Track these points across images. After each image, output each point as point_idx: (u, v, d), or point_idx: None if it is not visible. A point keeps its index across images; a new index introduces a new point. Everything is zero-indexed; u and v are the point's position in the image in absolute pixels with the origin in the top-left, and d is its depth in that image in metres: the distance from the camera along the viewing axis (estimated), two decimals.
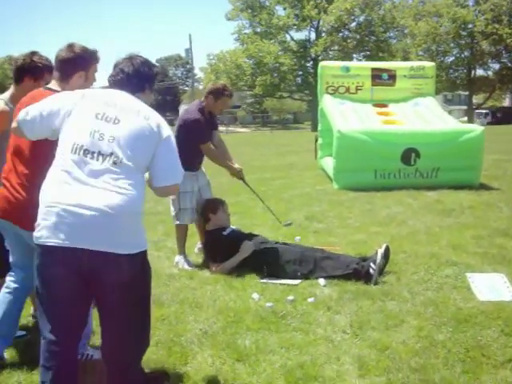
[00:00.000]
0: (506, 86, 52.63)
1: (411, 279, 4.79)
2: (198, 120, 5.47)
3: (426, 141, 9.97)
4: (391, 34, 53.96)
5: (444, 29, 48.61)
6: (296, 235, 6.41)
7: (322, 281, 4.74)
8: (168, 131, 2.67)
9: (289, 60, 49.26)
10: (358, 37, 50.89)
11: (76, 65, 3.14)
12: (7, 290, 3.35)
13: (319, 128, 13.23)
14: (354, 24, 51.23)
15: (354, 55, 50.96)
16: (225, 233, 5.45)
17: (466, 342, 3.49)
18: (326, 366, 3.26)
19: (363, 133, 9.94)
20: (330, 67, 12.93)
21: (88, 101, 2.64)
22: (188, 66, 73.63)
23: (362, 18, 50.82)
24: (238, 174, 5.92)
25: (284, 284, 4.77)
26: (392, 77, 12.50)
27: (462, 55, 51.39)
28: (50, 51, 3.30)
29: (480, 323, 3.78)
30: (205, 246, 5.64)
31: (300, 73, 52.12)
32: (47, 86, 3.25)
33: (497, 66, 52.04)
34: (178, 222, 5.58)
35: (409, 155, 9.93)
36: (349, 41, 50.91)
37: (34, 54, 3.59)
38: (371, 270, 4.70)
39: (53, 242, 2.39)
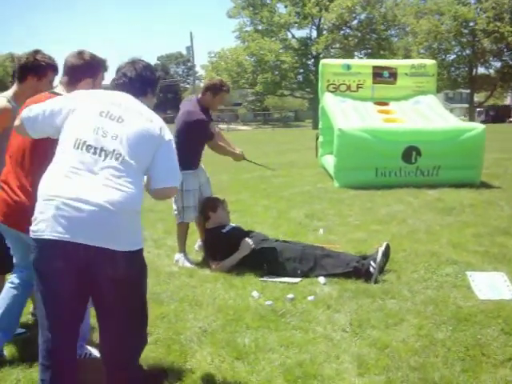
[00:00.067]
0: (507, 84, 52.56)
1: (411, 278, 4.79)
2: (203, 120, 5.49)
3: (427, 139, 9.96)
4: (392, 32, 54.04)
5: (445, 27, 48.59)
6: (297, 234, 6.40)
7: (321, 279, 4.73)
8: (170, 135, 2.71)
9: (290, 58, 49.27)
10: (359, 35, 50.87)
11: (84, 72, 3.18)
12: (11, 285, 3.37)
13: (320, 126, 13.22)
14: (355, 22, 51.26)
15: (356, 53, 50.95)
16: (224, 231, 5.45)
17: (466, 341, 3.48)
18: (326, 365, 3.25)
19: (364, 131, 9.93)
20: (330, 65, 12.91)
21: (92, 100, 2.68)
22: (189, 64, 73.73)
23: (363, 16, 50.82)
24: (241, 157, 5.94)
25: (284, 282, 4.76)
26: (393, 75, 12.48)
27: (464, 53, 51.38)
28: (51, 49, 3.31)
29: (480, 322, 3.77)
30: (205, 244, 5.64)
31: (301, 71, 52.13)
32: (53, 90, 3.30)
33: (498, 64, 52.06)
34: (181, 220, 5.58)
35: (410, 153, 9.92)
36: (350, 39, 50.88)
37: (37, 52, 3.59)
38: (371, 269, 4.70)
39: (52, 235, 2.37)
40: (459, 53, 51.72)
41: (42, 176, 2.57)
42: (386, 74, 12.47)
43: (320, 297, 4.36)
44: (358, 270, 4.74)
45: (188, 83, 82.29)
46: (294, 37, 53.32)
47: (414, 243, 5.90)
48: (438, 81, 17.51)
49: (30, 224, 2.50)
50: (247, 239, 5.24)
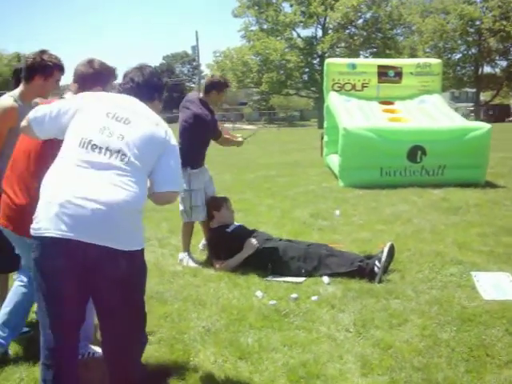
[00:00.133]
0: None
1: (416, 278, 4.77)
2: (211, 119, 5.54)
3: (433, 138, 9.93)
4: (398, 31, 53.84)
5: (451, 26, 48.47)
6: (301, 233, 6.39)
7: (325, 279, 4.72)
8: (174, 141, 2.74)
9: (295, 57, 49.19)
10: (364, 34, 50.74)
11: (94, 80, 3.19)
12: (20, 284, 3.40)
13: (325, 125, 13.20)
14: (360, 21, 51.11)
15: (361, 52, 50.80)
16: (228, 230, 5.44)
17: (470, 342, 3.47)
18: (329, 365, 3.24)
19: (369, 130, 9.91)
20: (336, 64, 12.89)
21: (99, 101, 2.70)
22: (194, 63, 73.59)
23: (368, 15, 50.68)
24: (242, 142, 5.99)
25: (288, 282, 4.75)
26: (398, 74, 12.44)
27: (470, 52, 51.22)
28: (52, 47, 3.32)
29: (484, 322, 3.76)
30: (209, 244, 5.63)
31: (306, 70, 52.02)
32: (63, 97, 3.32)
33: (504, 64, 51.90)
34: (188, 220, 5.58)
35: (415, 153, 9.90)
36: (355, 38, 50.75)
37: (43, 52, 3.60)
38: (376, 269, 4.68)
39: (54, 233, 2.36)
40: (465, 52, 51.57)
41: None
42: (391, 73, 12.43)
43: (324, 296, 4.35)
44: (363, 270, 4.73)
45: (193, 82, 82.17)
46: (299, 36, 53.26)
47: (418, 243, 5.88)
48: (444, 80, 17.50)
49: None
50: (252, 239, 5.23)
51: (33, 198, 2.83)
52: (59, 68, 3.61)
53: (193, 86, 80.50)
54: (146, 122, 2.64)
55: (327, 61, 13.16)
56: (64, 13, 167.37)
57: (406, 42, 53.41)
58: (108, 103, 2.68)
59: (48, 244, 2.39)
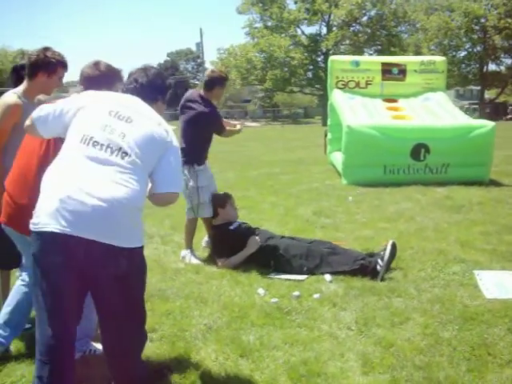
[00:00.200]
0: None
1: (418, 276, 4.76)
2: (218, 115, 5.60)
3: (436, 136, 9.92)
4: (403, 29, 53.77)
5: (456, 23, 48.29)
6: (304, 231, 6.38)
7: (328, 276, 4.71)
8: (176, 142, 2.72)
9: (299, 54, 49.14)
10: (369, 31, 50.67)
11: (100, 83, 3.18)
12: (22, 283, 3.39)
13: (329, 123, 13.19)
14: (365, 18, 51.04)
15: (365, 50, 50.72)
16: (232, 227, 5.44)
17: (472, 341, 3.45)
18: (330, 363, 3.24)
19: (372, 128, 9.89)
20: (339, 61, 12.88)
21: (102, 99, 2.70)
22: (199, 60, 73.61)
23: (373, 12, 50.63)
24: (241, 129, 5.98)
25: (290, 279, 4.75)
26: (402, 71, 12.42)
27: (475, 50, 51.05)
28: (53, 44, 3.32)
29: (486, 321, 3.75)
30: (212, 241, 5.63)
31: (311, 67, 52.00)
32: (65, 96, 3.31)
33: (509, 61, 51.93)
34: (193, 216, 5.58)
35: (418, 151, 9.89)
36: (360, 35, 50.68)
37: (47, 49, 3.60)
38: (378, 267, 4.68)
39: (54, 228, 2.35)
40: (470, 49, 51.40)
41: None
42: (395, 70, 12.41)
43: (326, 294, 4.34)
44: (365, 268, 4.72)
45: (197, 79, 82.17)
46: (303, 33, 53.20)
47: (421, 241, 5.87)
48: (449, 77, 17.43)
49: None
50: (255, 237, 5.23)
51: (35, 197, 2.84)
52: (62, 65, 3.61)
53: (197, 82, 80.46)
54: (148, 122, 2.63)
55: (331, 58, 13.15)
56: (69, 9, 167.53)
57: (410, 39, 53.28)
58: (111, 102, 2.68)
59: (48, 239, 2.37)
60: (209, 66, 64.64)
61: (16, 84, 3.78)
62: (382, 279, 4.62)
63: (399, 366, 3.16)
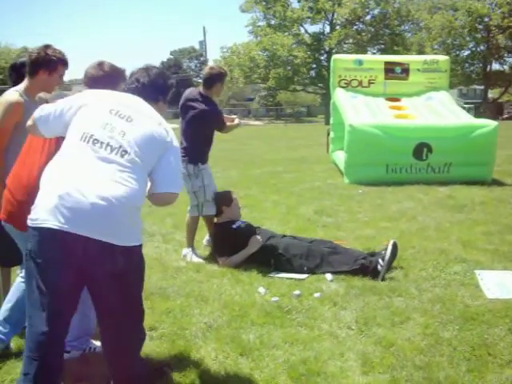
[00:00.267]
0: None
1: (419, 275, 4.76)
2: (219, 112, 5.61)
3: (439, 135, 9.89)
4: (406, 28, 53.59)
5: (460, 22, 48.16)
6: (306, 230, 6.38)
7: (328, 276, 4.71)
8: (176, 142, 2.72)
9: (302, 53, 49.05)
10: (372, 30, 50.54)
11: (104, 83, 3.17)
12: (22, 280, 3.39)
13: (331, 122, 13.16)
14: (368, 17, 50.88)
15: (369, 48, 50.62)
16: (234, 226, 5.43)
17: (472, 341, 3.45)
18: (330, 362, 3.23)
19: (375, 127, 9.88)
20: (342, 60, 12.84)
21: (103, 98, 2.70)
22: (202, 59, 73.60)
23: (376, 11, 50.44)
24: (240, 124, 5.98)
25: (291, 278, 4.75)
26: (405, 70, 12.39)
27: (478, 49, 50.90)
28: (55, 42, 3.31)
29: (487, 321, 3.74)
30: (213, 239, 5.62)
31: (314, 66, 51.88)
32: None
33: None
34: (197, 214, 5.59)
35: (421, 150, 9.86)
36: (363, 34, 50.57)
37: (47, 47, 3.60)
38: (379, 267, 4.67)
39: (52, 224, 2.34)
40: (473, 49, 51.25)
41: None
42: (398, 69, 12.38)
43: (326, 294, 4.34)
44: (366, 268, 4.71)
45: (200, 77, 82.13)
46: (306, 32, 53.10)
47: (423, 240, 5.87)
48: (452, 77, 17.39)
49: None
50: (257, 236, 5.23)
51: (36, 195, 2.84)
52: (63, 63, 3.61)
53: (200, 81, 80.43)
54: (148, 121, 2.63)
55: (334, 57, 13.11)
56: (70, 8, 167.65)
57: (413, 38, 53.14)
58: (112, 100, 2.68)
59: (46, 235, 2.37)
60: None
61: (16, 82, 3.78)
62: (383, 279, 4.62)
63: (399, 366, 3.16)
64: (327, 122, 27.31)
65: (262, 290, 4.43)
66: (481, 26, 48.68)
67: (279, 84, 51.41)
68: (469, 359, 3.24)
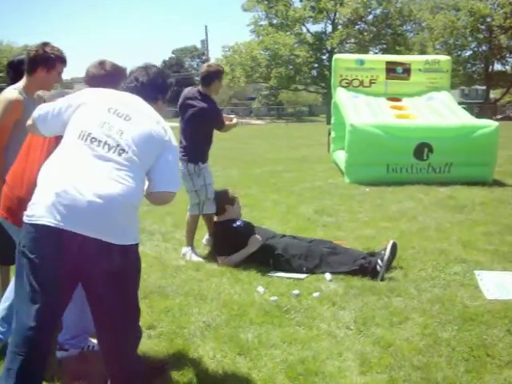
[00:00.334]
0: None
1: (418, 276, 4.75)
2: (218, 110, 5.64)
3: (440, 135, 9.89)
4: (408, 28, 53.63)
5: (462, 22, 48.12)
6: (305, 230, 6.37)
7: (328, 275, 4.70)
8: (175, 142, 2.71)
9: (304, 52, 49.11)
10: (374, 30, 50.58)
11: (106, 82, 3.17)
12: None
13: (332, 121, 13.18)
14: (370, 17, 50.98)
15: (371, 48, 50.64)
16: (235, 225, 5.42)
17: (471, 341, 3.44)
18: (328, 362, 3.23)
19: (376, 126, 9.87)
20: (344, 60, 12.84)
21: (102, 96, 2.69)
22: (204, 58, 73.52)
23: (378, 11, 50.54)
24: (237, 123, 5.97)
25: (290, 278, 4.74)
26: (407, 70, 12.39)
27: (480, 49, 50.87)
28: (55, 39, 3.32)
29: (486, 322, 3.73)
30: (214, 237, 5.62)
31: (315, 65, 51.95)
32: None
33: None
34: (198, 213, 5.58)
35: (422, 150, 9.85)
36: (365, 34, 50.60)
37: (45, 44, 3.59)
38: (378, 267, 4.66)
39: (49, 221, 2.33)
40: (475, 49, 51.25)
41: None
42: (399, 69, 12.38)
43: (325, 293, 4.33)
44: (365, 269, 4.70)
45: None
46: (308, 31, 53.13)
47: (423, 241, 5.86)
48: (454, 77, 17.39)
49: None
50: (257, 235, 5.22)
51: (30, 191, 2.83)
52: (61, 60, 3.61)
53: None
54: (146, 121, 2.62)
55: (335, 56, 13.11)
56: (71, 8, 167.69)
57: (415, 38, 53.16)
58: (110, 99, 2.67)
59: (42, 232, 2.36)
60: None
61: (14, 80, 3.77)
62: (383, 279, 4.61)
63: (397, 366, 3.15)
64: (328, 122, 27.33)
65: (261, 289, 4.43)
66: (483, 27, 48.67)
67: (281, 83, 51.45)
68: (467, 360, 3.23)
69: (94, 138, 2.49)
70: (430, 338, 3.52)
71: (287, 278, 4.75)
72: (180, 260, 5.41)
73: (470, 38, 49.92)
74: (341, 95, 11.95)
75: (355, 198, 8.58)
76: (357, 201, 8.38)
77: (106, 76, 3.22)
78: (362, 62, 12.44)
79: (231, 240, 5.24)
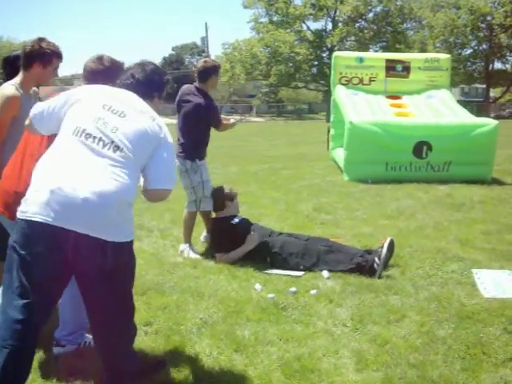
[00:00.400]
0: None
1: (416, 274, 4.75)
2: (214, 106, 5.60)
3: (439, 134, 9.87)
4: (408, 26, 53.59)
5: (462, 21, 48.04)
6: (304, 227, 6.37)
7: (325, 273, 4.70)
8: (170, 138, 2.71)
9: (304, 50, 49.03)
10: (374, 27, 50.51)
11: (104, 77, 3.17)
12: None
13: (331, 119, 13.17)
14: (371, 14, 50.95)
15: (371, 46, 50.57)
16: (233, 222, 5.42)
17: (467, 339, 3.44)
18: (324, 359, 3.23)
19: (375, 124, 9.86)
20: (343, 57, 12.84)
21: (97, 93, 2.69)
22: (204, 55, 73.49)
23: (379, 9, 50.51)
24: (235, 124, 5.93)
25: (288, 275, 4.74)
26: (406, 68, 12.39)
27: (480, 48, 50.80)
28: (56, 37, 3.31)
29: (483, 320, 3.73)
30: (211, 234, 5.61)
31: (315, 63, 51.90)
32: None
33: None
34: (195, 210, 5.58)
35: (421, 148, 9.84)
36: (365, 31, 50.52)
37: (41, 40, 3.59)
38: (375, 265, 4.66)
39: (41, 218, 2.33)
40: (476, 47, 51.16)
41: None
42: (399, 67, 12.38)
43: (323, 291, 4.33)
44: (362, 267, 4.70)
45: None
46: (308, 29, 53.09)
47: (421, 239, 5.86)
48: (454, 75, 17.38)
49: None
50: (254, 233, 5.22)
51: (26, 187, 2.83)
52: (58, 55, 3.60)
53: None
54: (141, 117, 2.62)
55: (335, 54, 13.12)
56: (71, 3, 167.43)
57: (416, 36, 53.08)
58: (105, 96, 2.67)
59: (36, 229, 2.35)
60: None
61: (10, 76, 3.77)
62: (380, 276, 4.61)
63: (393, 364, 3.15)
64: (328, 120, 27.35)
65: (258, 286, 4.43)
66: (483, 25, 48.58)
67: (281, 81, 51.39)
68: (463, 358, 3.23)
69: (88, 133, 2.49)
70: (426, 336, 3.53)
71: (284, 275, 4.75)
72: (178, 257, 5.41)
73: (470, 37, 49.82)
74: (340, 93, 11.95)
75: (354, 196, 8.58)
76: (355, 198, 8.38)
77: (105, 71, 3.21)
78: (361, 60, 12.44)
79: (230, 236, 5.23)
